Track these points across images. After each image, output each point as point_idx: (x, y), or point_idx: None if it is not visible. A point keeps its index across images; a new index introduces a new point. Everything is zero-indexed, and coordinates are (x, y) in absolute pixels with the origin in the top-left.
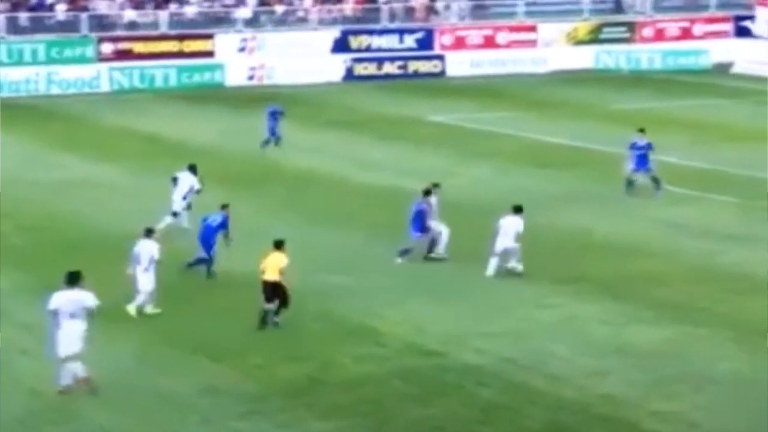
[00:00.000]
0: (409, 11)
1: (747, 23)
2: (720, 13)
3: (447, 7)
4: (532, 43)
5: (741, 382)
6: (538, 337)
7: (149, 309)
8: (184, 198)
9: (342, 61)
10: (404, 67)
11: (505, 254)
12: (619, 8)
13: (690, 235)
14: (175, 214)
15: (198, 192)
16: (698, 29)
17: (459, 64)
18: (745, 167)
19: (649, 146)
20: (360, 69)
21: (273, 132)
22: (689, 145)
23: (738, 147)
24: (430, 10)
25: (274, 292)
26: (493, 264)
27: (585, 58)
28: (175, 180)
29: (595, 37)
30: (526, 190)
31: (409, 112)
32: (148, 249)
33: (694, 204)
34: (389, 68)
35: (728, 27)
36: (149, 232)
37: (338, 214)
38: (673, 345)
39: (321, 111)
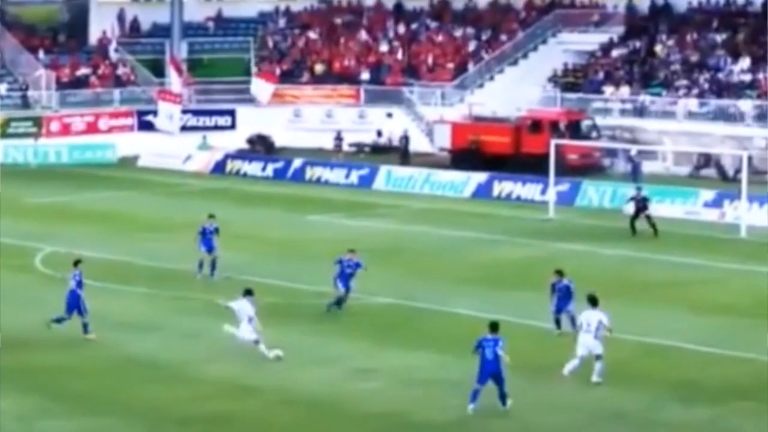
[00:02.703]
0: None
1: (150, 118)
2: (124, 108)
3: None
4: None
5: None
6: None
7: None
8: None
9: None
10: None
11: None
12: (25, 103)
13: (104, 327)
14: None
15: None
16: (104, 123)
17: None
18: (153, 258)
19: (217, 230)
20: None
21: None
22: (101, 238)
23: (146, 238)
24: None
25: None
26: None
27: None
28: None
29: (2, 132)
30: None
31: None
32: None
33: (107, 296)
34: None
35: (132, 121)
36: None
37: None
38: None
39: None
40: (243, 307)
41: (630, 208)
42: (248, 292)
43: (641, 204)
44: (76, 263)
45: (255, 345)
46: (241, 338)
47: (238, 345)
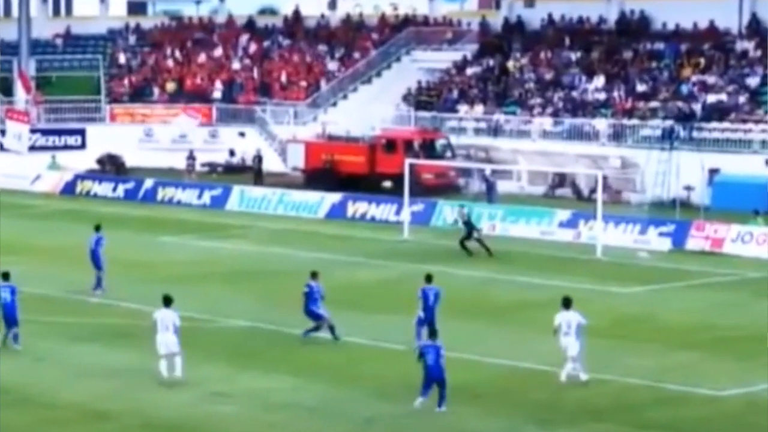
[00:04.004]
0: None
1: None
2: None
3: None
4: None
5: None
6: None
7: None
8: None
9: None
10: None
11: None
12: None
13: None
14: None
15: None
16: None
17: None
18: None
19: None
20: None
21: None
22: None
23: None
24: None
25: None
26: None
27: None
28: None
29: None
30: None
31: None
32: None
33: None
34: None
35: None
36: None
37: None
38: None
39: None
40: (165, 316)
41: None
42: (168, 301)
43: (469, 225)
44: (5, 276)
45: (174, 357)
46: (165, 346)
47: (92, 369)
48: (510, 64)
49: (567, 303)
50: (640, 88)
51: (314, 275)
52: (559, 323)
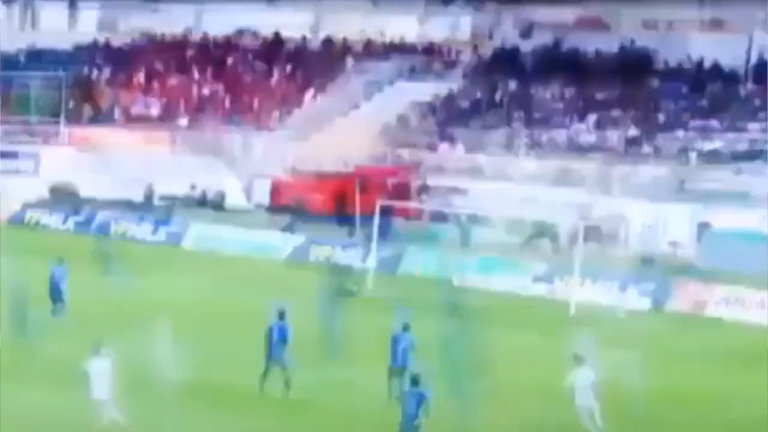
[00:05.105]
0: None
1: None
2: None
3: None
4: None
5: None
6: None
7: None
8: None
9: None
10: None
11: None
12: None
13: None
14: None
15: None
16: None
17: None
18: None
19: None
20: None
21: None
22: None
23: None
24: None
25: None
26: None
27: None
28: None
29: None
30: None
31: None
32: None
33: None
34: None
35: None
36: None
37: None
38: None
39: None
40: (98, 365)
41: None
42: (97, 349)
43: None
44: None
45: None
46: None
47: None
48: (497, 97)
49: (579, 360)
50: (634, 132)
51: (281, 315)
52: (573, 382)
